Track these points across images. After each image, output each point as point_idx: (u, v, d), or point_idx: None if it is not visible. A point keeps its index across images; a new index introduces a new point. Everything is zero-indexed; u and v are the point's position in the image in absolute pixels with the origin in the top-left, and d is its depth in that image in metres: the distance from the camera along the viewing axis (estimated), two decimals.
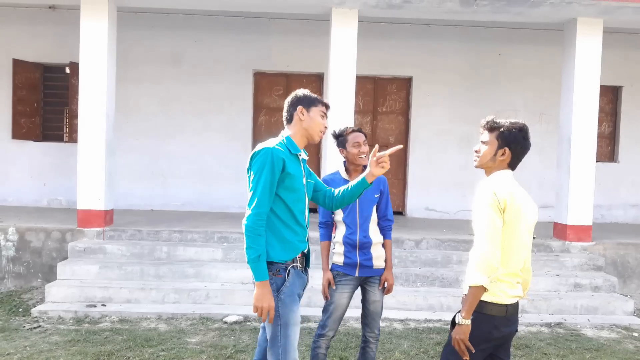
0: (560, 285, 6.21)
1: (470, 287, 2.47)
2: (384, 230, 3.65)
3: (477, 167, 2.70)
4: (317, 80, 9.05)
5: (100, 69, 6.61)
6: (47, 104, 8.96)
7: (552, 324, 5.56)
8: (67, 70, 8.53)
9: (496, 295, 2.50)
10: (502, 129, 2.60)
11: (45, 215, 7.56)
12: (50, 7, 8.43)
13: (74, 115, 7.79)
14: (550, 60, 8.58)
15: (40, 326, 5.05)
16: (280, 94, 9.08)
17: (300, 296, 2.86)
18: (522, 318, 5.63)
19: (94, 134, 6.63)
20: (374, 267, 3.56)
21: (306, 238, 2.90)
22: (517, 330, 2.67)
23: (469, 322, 2.47)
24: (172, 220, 7.51)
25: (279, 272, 2.74)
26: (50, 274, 6.44)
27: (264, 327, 2.92)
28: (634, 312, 5.98)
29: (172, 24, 8.63)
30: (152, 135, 8.78)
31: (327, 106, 2.96)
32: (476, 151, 2.69)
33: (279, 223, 2.76)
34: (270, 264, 2.71)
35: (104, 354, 4.38)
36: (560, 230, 7.12)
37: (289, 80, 9.06)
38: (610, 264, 6.90)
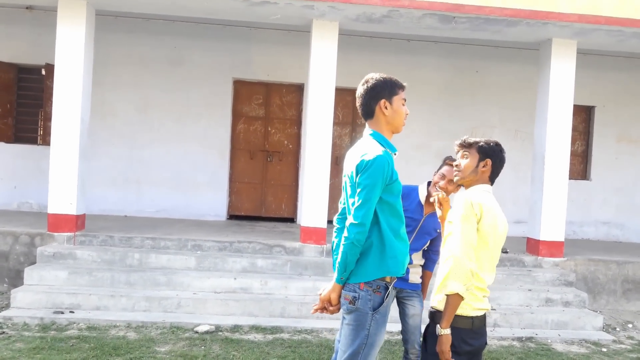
0: (532, 300, 6.27)
1: (447, 295, 2.49)
2: (429, 261, 3.75)
3: (457, 181, 2.72)
4: (297, 91, 9.07)
5: (76, 72, 6.51)
6: (22, 105, 8.77)
7: (524, 339, 5.61)
8: (43, 71, 8.38)
9: (461, 307, 2.52)
10: (480, 143, 2.68)
11: (14, 219, 7.36)
12: (27, 8, 8.28)
13: (48, 118, 7.64)
14: (526, 79, 8.74)
15: (3, 332, 4.89)
16: (259, 102, 9.07)
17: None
18: (494, 332, 5.68)
19: (68, 138, 6.51)
20: (410, 282, 3.65)
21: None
22: (486, 344, 2.69)
23: (449, 331, 2.50)
24: (145, 227, 7.39)
25: (378, 290, 2.48)
26: (17, 279, 6.27)
27: (339, 341, 2.67)
28: (603, 328, 6.07)
29: (152, 29, 8.56)
30: (128, 140, 8.66)
31: (405, 88, 2.65)
32: (456, 165, 2.72)
33: (391, 233, 2.48)
34: (373, 280, 2.46)
35: None
36: (533, 246, 7.21)
37: (269, 89, 9.06)
38: (580, 279, 7.01)
